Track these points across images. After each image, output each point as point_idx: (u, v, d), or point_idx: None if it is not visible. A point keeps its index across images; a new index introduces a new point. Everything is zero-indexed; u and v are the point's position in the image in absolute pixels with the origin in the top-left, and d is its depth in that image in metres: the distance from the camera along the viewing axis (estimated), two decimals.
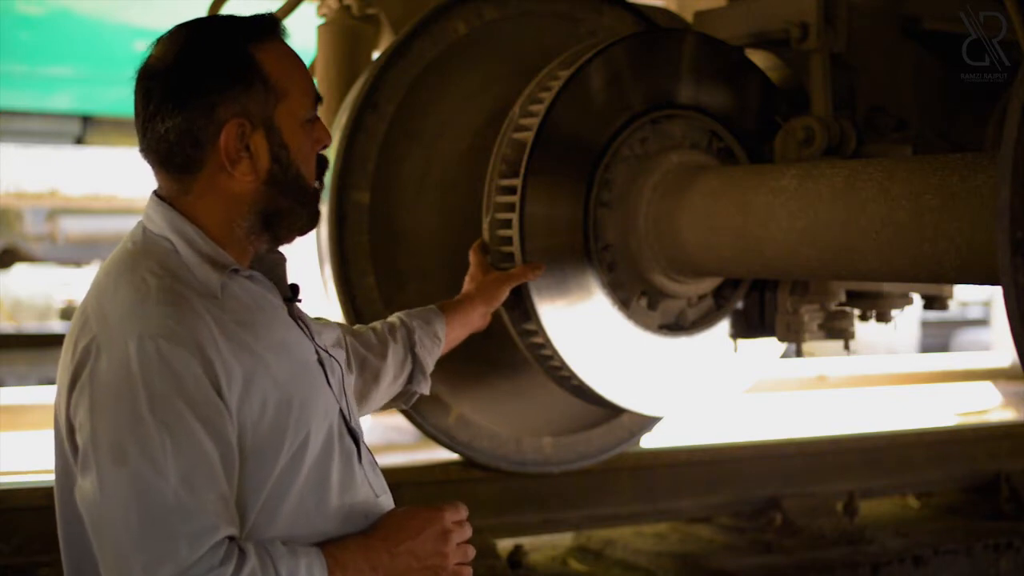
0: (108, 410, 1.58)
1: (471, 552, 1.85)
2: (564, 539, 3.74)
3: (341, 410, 1.82)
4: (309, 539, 1.71)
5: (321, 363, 1.80)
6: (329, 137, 1.81)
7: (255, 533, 1.66)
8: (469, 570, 1.84)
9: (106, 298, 1.66)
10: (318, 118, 1.80)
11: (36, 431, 5.18)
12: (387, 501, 1.88)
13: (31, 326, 12.66)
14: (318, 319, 2.07)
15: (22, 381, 8.63)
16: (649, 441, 3.72)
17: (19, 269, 11.49)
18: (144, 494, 1.54)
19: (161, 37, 1.73)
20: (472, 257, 2.78)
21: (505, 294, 2.66)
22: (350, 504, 1.78)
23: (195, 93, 1.67)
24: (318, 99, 1.79)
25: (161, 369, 1.57)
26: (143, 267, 1.67)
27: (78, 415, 1.62)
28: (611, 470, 3.58)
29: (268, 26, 1.75)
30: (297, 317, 1.82)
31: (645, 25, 3.30)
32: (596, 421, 3.46)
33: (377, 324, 2.34)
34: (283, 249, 1.84)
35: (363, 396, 2.22)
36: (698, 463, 3.83)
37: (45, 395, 5.77)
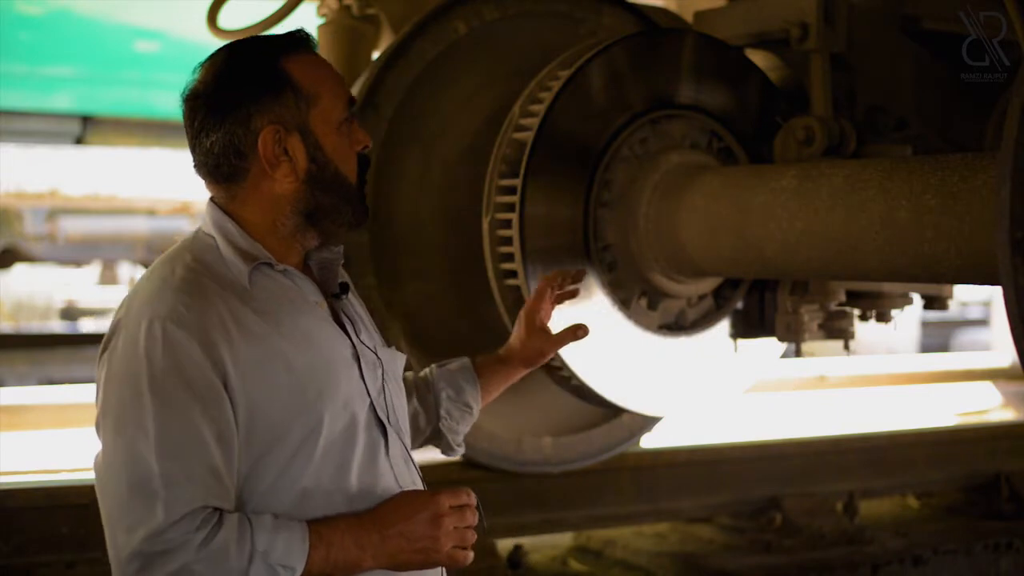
0: (117, 383, 1.72)
1: (470, 537, 1.85)
2: (564, 539, 3.74)
3: (373, 403, 1.88)
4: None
5: (357, 358, 1.88)
6: (368, 138, 1.90)
7: (269, 505, 1.75)
8: (466, 554, 1.85)
9: (140, 283, 1.83)
10: (355, 120, 1.89)
11: (36, 431, 5.17)
12: None
13: (31, 326, 12.66)
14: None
15: (22, 381, 8.62)
16: (649, 441, 3.72)
17: (19, 269, 11.49)
18: (133, 461, 1.67)
19: (203, 61, 1.87)
20: (524, 310, 2.43)
21: (550, 355, 2.43)
22: (368, 491, 1.83)
23: (232, 107, 1.81)
24: (352, 102, 1.89)
25: (164, 350, 1.70)
26: (179, 259, 1.82)
27: (99, 385, 1.78)
28: (611, 470, 3.58)
29: (298, 40, 1.89)
30: (343, 312, 1.92)
31: (645, 25, 3.30)
32: (596, 421, 3.46)
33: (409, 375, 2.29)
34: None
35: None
36: (698, 463, 3.82)
37: (45, 395, 5.77)
